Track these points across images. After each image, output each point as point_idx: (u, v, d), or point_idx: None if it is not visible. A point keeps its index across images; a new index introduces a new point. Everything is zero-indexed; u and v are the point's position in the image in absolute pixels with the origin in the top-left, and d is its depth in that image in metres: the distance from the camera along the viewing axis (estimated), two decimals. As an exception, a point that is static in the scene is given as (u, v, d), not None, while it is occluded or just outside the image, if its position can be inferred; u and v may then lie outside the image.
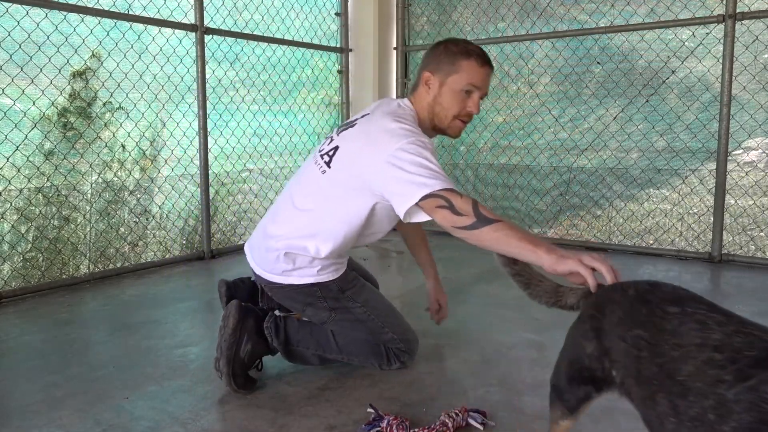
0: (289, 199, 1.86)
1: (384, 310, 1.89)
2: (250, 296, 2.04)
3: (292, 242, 1.79)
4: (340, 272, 1.86)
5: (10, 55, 2.69)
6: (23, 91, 2.74)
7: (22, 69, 2.72)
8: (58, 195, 2.93)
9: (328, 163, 1.79)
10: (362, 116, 1.85)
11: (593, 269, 1.33)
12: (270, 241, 1.83)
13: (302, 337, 1.84)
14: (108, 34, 3.05)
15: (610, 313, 1.09)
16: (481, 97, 1.83)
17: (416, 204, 1.60)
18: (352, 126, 1.82)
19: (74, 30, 2.90)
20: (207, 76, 3.46)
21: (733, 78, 3.26)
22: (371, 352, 1.87)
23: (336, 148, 1.79)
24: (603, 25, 3.69)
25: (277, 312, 1.88)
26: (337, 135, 1.84)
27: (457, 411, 1.53)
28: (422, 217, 1.66)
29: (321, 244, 1.78)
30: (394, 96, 4.56)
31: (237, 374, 1.75)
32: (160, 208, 3.39)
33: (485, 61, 1.81)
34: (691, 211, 3.54)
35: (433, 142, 1.83)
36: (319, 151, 1.86)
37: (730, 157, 3.33)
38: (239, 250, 3.78)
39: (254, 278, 1.95)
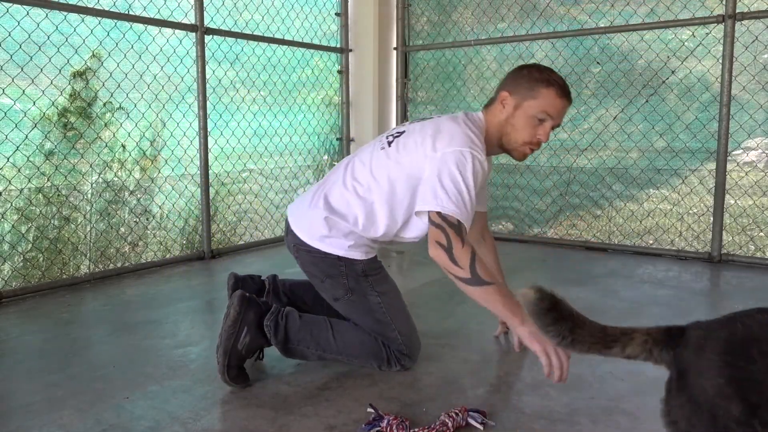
0: (343, 169, 1.93)
1: (397, 308, 1.90)
2: (256, 293, 2.06)
3: (336, 208, 1.86)
4: (369, 256, 1.90)
5: (11, 56, 2.69)
6: (24, 91, 2.74)
7: (22, 69, 2.72)
8: (59, 195, 2.93)
9: (389, 143, 1.89)
10: (435, 116, 1.93)
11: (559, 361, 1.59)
12: (317, 201, 1.89)
13: (302, 337, 1.84)
14: (108, 35, 3.05)
15: (762, 357, 0.85)
16: (553, 127, 1.86)
17: (427, 212, 1.72)
18: (424, 119, 1.92)
19: (74, 30, 2.90)
20: (207, 76, 3.46)
21: (733, 78, 3.26)
22: (371, 354, 1.87)
23: (402, 133, 1.90)
24: (603, 25, 3.69)
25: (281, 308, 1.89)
26: (408, 124, 1.95)
27: (457, 411, 1.53)
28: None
29: (361, 217, 1.84)
30: (394, 96, 4.56)
31: (231, 366, 1.76)
32: (160, 208, 3.40)
33: (565, 93, 1.83)
34: (690, 211, 3.55)
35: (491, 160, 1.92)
36: (386, 135, 1.95)
37: (729, 157, 3.33)
38: (239, 250, 3.79)
39: (287, 240, 1.99)
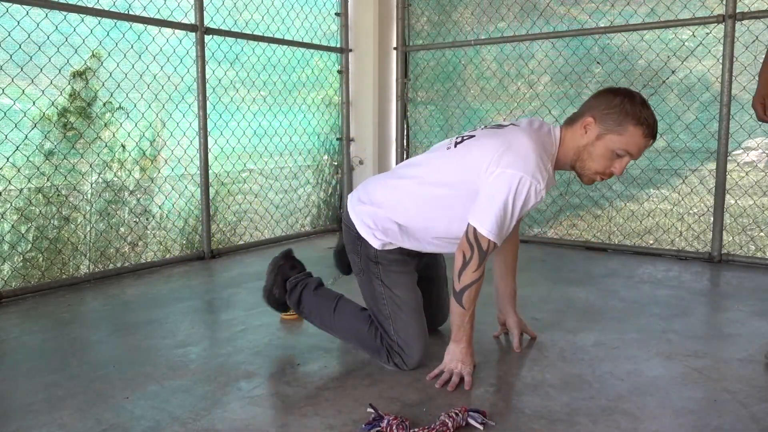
0: (408, 164, 2.03)
1: (401, 307, 1.90)
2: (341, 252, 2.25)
3: (380, 193, 1.95)
4: (385, 247, 1.91)
5: (10, 55, 2.69)
6: (23, 91, 2.74)
7: (22, 69, 2.72)
8: (58, 195, 2.93)
9: (456, 144, 1.89)
10: (511, 124, 1.90)
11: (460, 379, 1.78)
12: (376, 183, 2.02)
13: (311, 308, 2.08)
14: (108, 34, 3.05)
15: None
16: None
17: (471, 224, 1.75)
18: (499, 127, 1.89)
19: (74, 30, 2.90)
20: (207, 76, 3.46)
21: (733, 78, 3.26)
22: (363, 344, 1.96)
23: (471, 137, 1.89)
24: (603, 25, 3.69)
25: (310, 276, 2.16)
26: (480, 129, 1.94)
27: (457, 411, 1.53)
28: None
29: (400, 206, 1.89)
30: (394, 96, 4.56)
31: (270, 301, 2.20)
32: (160, 208, 3.39)
33: (652, 134, 1.75)
34: (691, 211, 3.54)
35: (553, 177, 1.90)
36: (457, 136, 1.96)
37: (730, 157, 3.33)
38: (239, 250, 3.79)
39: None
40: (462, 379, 1.79)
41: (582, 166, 1.85)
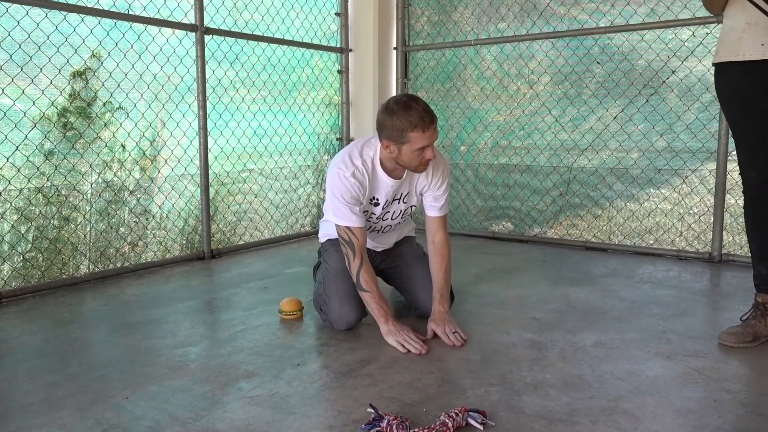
0: None
1: (328, 270, 2.32)
2: None
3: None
4: (324, 239, 2.48)
5: (10, 55, 2.69)
6: (23, 91, 2.74)
7: (22, 69, 2.72)
8: (58, 195, 2.93)
9: None
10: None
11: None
12: None
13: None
14: (108, 34, 3.05)
15: None
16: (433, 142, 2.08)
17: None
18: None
19: (74, 30, 2.90)
20: (207, 76, 3.46)
21: (733, 78, 3.26)
22: (317, 307, 2.33)
23: None
24: (603, 25, 3.69)
25: None
26: None
27: (457, 411, 1.53)
28: None
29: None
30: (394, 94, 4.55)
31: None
32: (160, 208, 3.39)
33: (426, 125, 2.00)
34: (691, 211, 3.54)
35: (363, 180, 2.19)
36: None
37: (730, 157, 3.32)
38: (239, 250, 3.78)
39: None
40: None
41: (406, 167, 2.16)
